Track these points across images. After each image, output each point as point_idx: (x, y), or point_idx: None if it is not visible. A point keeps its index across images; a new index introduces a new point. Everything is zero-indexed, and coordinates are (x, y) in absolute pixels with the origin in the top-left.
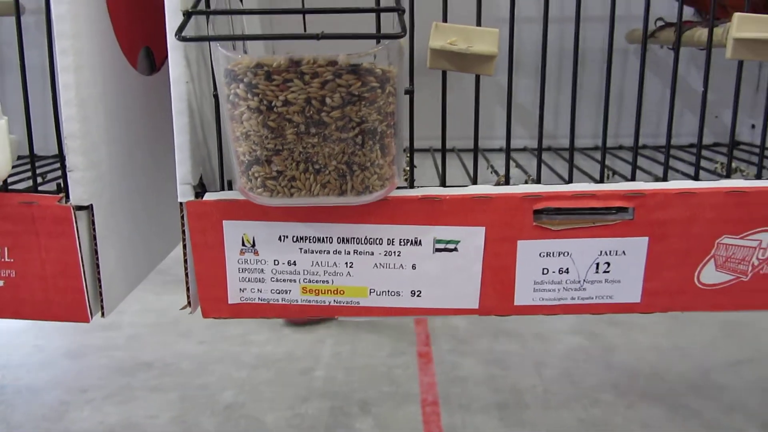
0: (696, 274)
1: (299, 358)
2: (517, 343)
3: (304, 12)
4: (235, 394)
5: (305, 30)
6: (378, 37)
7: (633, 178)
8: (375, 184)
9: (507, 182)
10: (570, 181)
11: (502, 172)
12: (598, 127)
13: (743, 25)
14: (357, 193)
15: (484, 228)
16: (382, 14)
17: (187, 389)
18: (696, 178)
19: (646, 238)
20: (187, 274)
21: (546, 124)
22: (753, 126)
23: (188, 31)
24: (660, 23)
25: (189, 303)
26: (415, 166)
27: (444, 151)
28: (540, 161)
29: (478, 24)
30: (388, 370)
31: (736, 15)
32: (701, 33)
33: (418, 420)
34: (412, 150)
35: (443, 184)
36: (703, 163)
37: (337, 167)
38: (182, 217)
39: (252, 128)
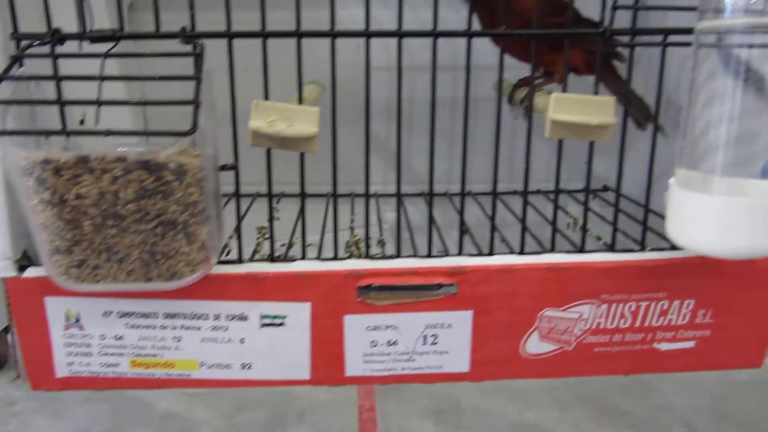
0: (521, 344)
1: None
2: None
3: (99, 104)
4: (170, 404)
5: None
6: (168, 134)
7: (460, 252)
8: (183, 271)
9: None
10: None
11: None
12: (489, 172)
13: (559, 107)
14: (164, 280)
15: (309, 303)
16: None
17: (120, 400)
18: (521, 251)
19: (471, 312)
20: (14, 347)
21: (419, 170)
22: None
23: None
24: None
25: (19, 375)
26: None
27: (271, 219)
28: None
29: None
30: None
31: (553, 96)
32: (544, 101)
33: (354, 428)
34: (239, 224)
35: (271, 258)
36: (575, 208)
37: (140, 256)
38: (5, 292)
39: (48, 220)
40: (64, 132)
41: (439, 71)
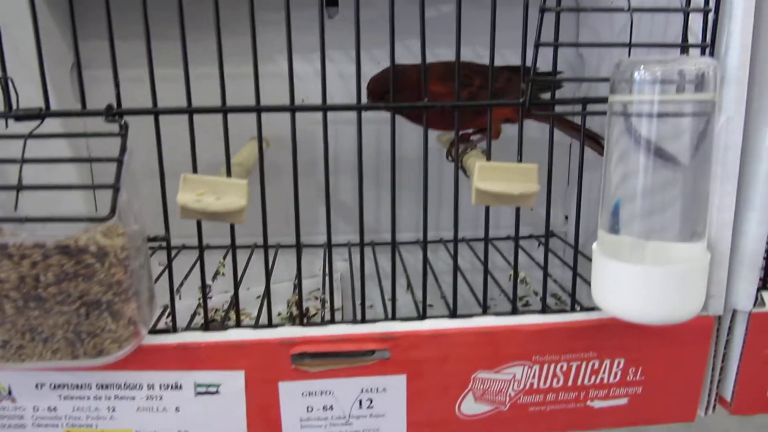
0: (456, 406)
1: None
2: None
3: (18, 189)
4: None
5: None
6: (86, 220)
7: (393, 316)
8: (110, 348)
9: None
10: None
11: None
12: (418, 222)
13: (483, 175)
14: (91, 357)
15: (243, 371)
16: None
17: None
18: (453, 313)
19: (404, 376)
20: None
21: (368, 220)
22: (566, 217)
23: None
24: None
25: None
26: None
27: (203, 292)
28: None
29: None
30: None
31: (477, 165)
32: (471, 162)
33: None
34: (172, 298)
35: (206, 325)
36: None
37: (64, 336)
38: None
39: None
40: None
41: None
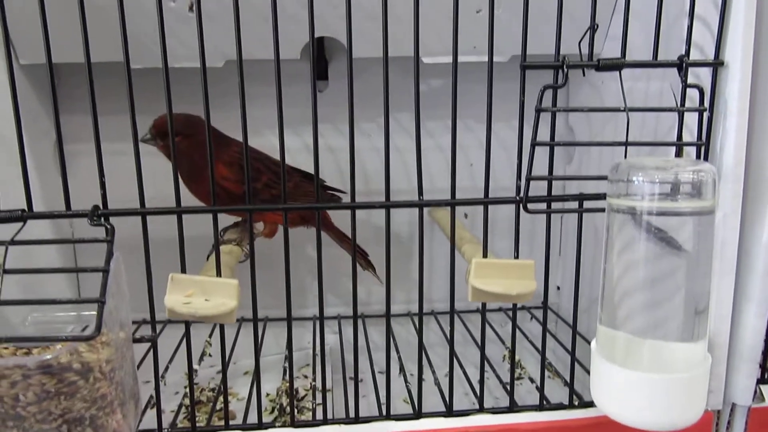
0: None
1: None
2: None
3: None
4: None
5: None
6: (70, 339)
7: (388, 414)
8: None
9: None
10: None
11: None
12: (409, 294)
13: (479, 272)
14: None
15: None
16: None
17: None
18: (450, 411)
19: None
20: None
21: (359, 293)
22: (558, 288)
23: None
24: None
25: None
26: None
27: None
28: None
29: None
30: None
31: (474, 261)
32: (466, 250)
33: None
34: (158, 395)
35: (193, 427)
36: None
37: None
38: None
39: None
40: None
41: None
